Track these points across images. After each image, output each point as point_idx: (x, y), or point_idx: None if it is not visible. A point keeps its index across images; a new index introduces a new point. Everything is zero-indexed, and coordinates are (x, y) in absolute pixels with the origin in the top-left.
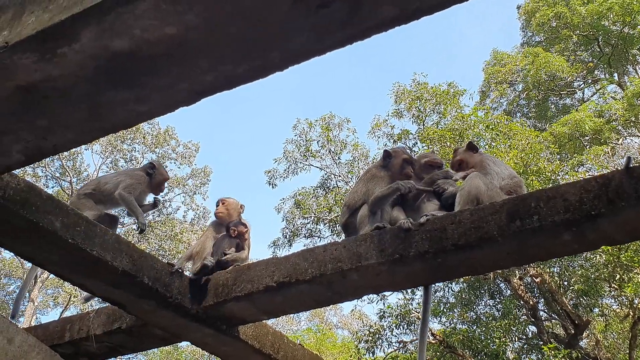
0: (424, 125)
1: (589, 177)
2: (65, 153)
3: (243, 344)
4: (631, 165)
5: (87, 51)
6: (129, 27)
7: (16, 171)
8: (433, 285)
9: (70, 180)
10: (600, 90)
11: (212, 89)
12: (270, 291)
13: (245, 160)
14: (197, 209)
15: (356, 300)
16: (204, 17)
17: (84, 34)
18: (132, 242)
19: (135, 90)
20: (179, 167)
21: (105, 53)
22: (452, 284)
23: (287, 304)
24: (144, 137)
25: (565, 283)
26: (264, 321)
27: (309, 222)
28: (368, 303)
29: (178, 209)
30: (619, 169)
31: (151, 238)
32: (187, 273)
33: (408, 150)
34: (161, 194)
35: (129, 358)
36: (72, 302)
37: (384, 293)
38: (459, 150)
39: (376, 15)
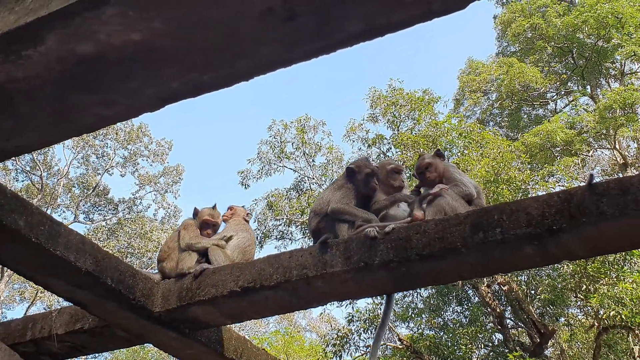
0: (398, 130)
1: (552, 192)
2: None
3: (206, 348)
4: (594, 182)
5: (53, 54)
6: (94, 32)
7: None
8: (399, 292)
9: (41, 174)
10: (573, 102)
11: (178, 96)
12: (234, 296)
13: (219, 160)
14: (168, 208)
15: (321, 306)
16: (170, 25)
17: (49, 37)
18: (102, 239)
19: (101, 94)
20: (150, 165)
21: (71, 56)
22: (420, 290)
23: (252, 309)
24: (116, 134)
25: (532, 292)
26: (228, 325)
27: (280, 224)
28: (337, 307)
29: (149, 207)
30: (583, 184)
31: (120, 235)
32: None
33: (370, 160)
34: (132, 192)
35: (95, 357)
36: (38, 298)
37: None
38: (427, 155)
39: (343, 30)
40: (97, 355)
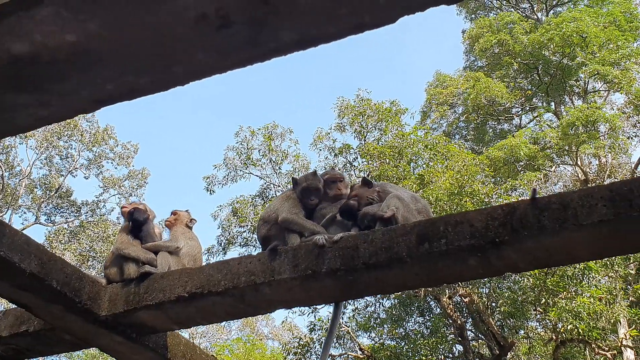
0: (365, 140)
1: (496, 205)
2: None
3: (154, 353)
4: (536, 197)
5: None
6: (29, 31)
7: None
8: (363, 300)
9: (2, 174)
10: (537, 118)
11: (113, 98)
12: (182, 301)
13: (185, 165)
14: None
15: (269, 313)
16: (105, 27)
17: None
18: (63, 241)
19: (36, 94)
20: (115, 168)
21: (6, 56)
22: (382, 300)
23: (199, 315)
24: (81, 135)
25: (493, 304)
26: (176, 331)
27: (245, 231)
28: (299, 315)
29: (112, 210)
30: (526, 198)
31: (82, 239)
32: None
33: (316, 176)
34: (95, 194)
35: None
36: None
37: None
38: (355, 187)
39: (276, 39)
40: (45, 358)
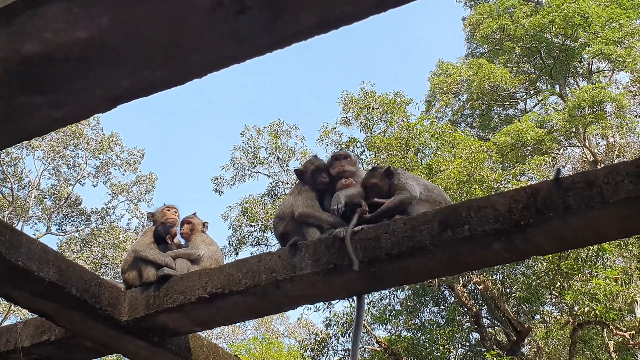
0: (371, 133)
1: (518, 187)
2: (6, 158)
3: (177, 356)
4: (560, 177)
5: None
6: (39, 30)
7: None
8: (377, 293)
9: (11, 186)
10: (542, 101)
11: (130, 95)
12: (203, 302)
13: (192, 167)
14: (142, 217)
15: (293, 309)
16: (117, 21)
17: None
18: (75, 250)
19: (49, 95)
20: (123, 174)
21: (17, 56)
22: (397, 291)
23: (221, 315)
24: (87, 143)
25: (508, 290)
26: (198, 333)
27: (256, 230)
28: (314, 311)
29: (122, 217)
30: (548, 179)
31: (94, 246)
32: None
33: (317, 157)
34: (104, 202)
35: None
36: (12, 312)
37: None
38: (378, 173)
39: (296, 23)
40: None
